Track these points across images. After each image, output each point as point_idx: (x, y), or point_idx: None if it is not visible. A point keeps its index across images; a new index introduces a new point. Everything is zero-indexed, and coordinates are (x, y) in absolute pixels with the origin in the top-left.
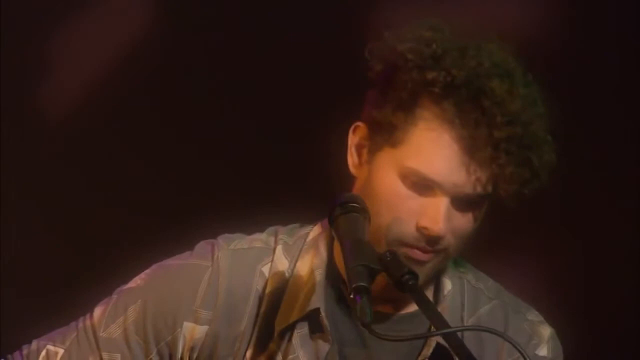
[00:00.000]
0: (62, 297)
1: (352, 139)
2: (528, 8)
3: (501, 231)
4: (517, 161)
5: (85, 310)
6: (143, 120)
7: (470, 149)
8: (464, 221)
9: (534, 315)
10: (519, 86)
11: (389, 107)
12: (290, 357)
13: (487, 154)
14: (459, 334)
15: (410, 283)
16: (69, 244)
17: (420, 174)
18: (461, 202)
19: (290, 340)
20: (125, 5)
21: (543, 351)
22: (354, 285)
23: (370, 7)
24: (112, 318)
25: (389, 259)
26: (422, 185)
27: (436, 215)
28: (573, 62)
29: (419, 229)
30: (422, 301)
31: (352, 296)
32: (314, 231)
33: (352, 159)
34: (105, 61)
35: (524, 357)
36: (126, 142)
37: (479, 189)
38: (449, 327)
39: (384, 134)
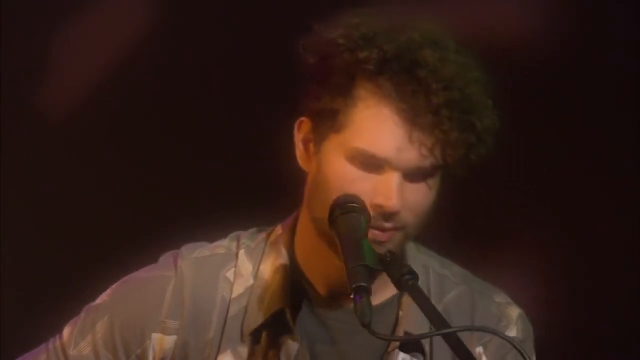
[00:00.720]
0: (62, 297)
1: (298, 135)
2: (528, 8)
3: (498, 232)
4: (460, 126)
5: None
6: (142, 120)
7: (412, 119)
8: (418, 195)
9: (501, 297)
10: (450, 53)
11: (327, 95)
12: (260, 359)
13: (428, 121)
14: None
15: (410, 283)
16: (69, 244)
17: (366, 153)
18: (412, 176)
19: (259, 342)
20: (124, 5)
21: (512, 332)
22: (354, 286)
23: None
24: (81, 335)
25: (388, 259)
26: (371, 164)
27: (389, 191)
28: (573, 61)
29: (374, 207)
30: (421, 300)
31: (352, 296)
32: (275, 233)
33: (300, 154)
34: (105, 61)
35: (523, 356)
36: (126, 142)
37: (426, 159)
38: (449, 326)
39: (327, 122)
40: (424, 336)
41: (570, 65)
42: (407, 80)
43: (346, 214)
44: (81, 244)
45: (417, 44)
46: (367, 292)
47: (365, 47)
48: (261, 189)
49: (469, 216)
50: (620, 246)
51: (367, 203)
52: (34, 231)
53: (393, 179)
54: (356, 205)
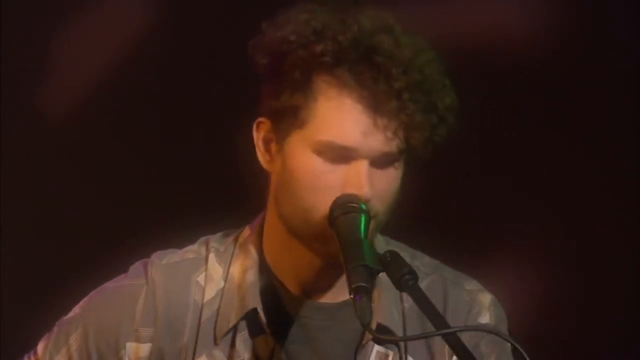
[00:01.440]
0: (62, 297)
1: (258, 136)
2: (527, 8)
3: (497, 232)
4: (423, 108)
5: None
6: (142, 120)
7: (375, 105)
8: (386, 181)
9: (472, 285)
10: (402, 37)
11: (286, 92)
12: None
13: (392, 106)
14: (395, 306)
15: (410, 283)
16: (69, 244)
17: (334, 145)
18: (379, 162)
19: (234, 344)
20: (124, 5)
21: (485, 318)
22: (354, 286)
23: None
24: (56, 349)
25: (389, 259)
26: (339, 155)
27: (359, 180)
28: (573, 61)
29: None
30: (421, 300)
31: (352, 296)
32: (243, 234)
33: (262, 155)
34: (104, 61)
35: (524, 356)
36: (125, 142)
37: (393, 144)
38: (449, 326)
39: (289, 119)
40: (424, 336)
41: (570, 65)
42: (366, 68)
43: (346, 214)
44: (81, 244)
45: (370, 32)
46: (368, 292)
47: (319, 41)
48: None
49: (466, 216)
50: (620, 246)
51: (339, 195)
52: (34, 231)
53: (361, 167)
54: (356, 205)
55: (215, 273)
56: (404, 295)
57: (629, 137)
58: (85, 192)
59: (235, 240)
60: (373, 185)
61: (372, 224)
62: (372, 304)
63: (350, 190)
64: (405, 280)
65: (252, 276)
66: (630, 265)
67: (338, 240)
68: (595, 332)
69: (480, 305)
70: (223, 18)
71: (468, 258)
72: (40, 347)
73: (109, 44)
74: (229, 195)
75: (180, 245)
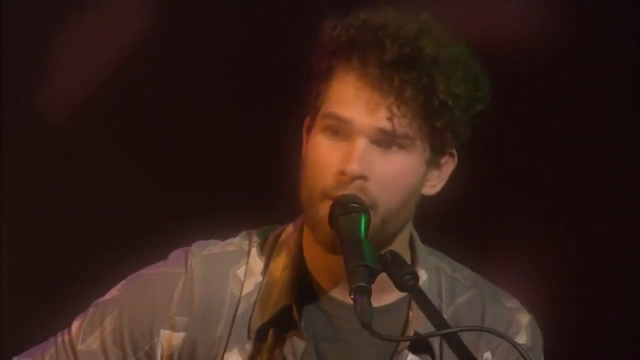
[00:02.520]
0: (62, 297)
1: (304, 136)
2: (527, 8)
3: (497, 231)
4: (416, 85)
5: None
6: (142, 121)
7: (370, 81)
8: (388, 166)
9: (511, 303)
10: (415, 23)
11: (315, 84)
12: (267, 356)
13: (379, 77)
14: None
15: (410, 283)
16: (69, 244)
17: (331, 115)
18: (380, 142)
19: (266, 339)
20: (125, 5)
21: (522, 339)
22: (354, 286)
23: None
24: (90, 330)
25: (389, 259)
26: (339, 130)
27: (351, 155)
28: (573, 61)
29: (337, 175)
30: (422, 301)
31: (352, 296)
32: (286, 231)
33: (303, 152)
34: (105, 61)
35: (524, 357)
36: (125, 142)
37: (388, 122)
38: (449, 327)
39: (314, 107)
40: (423, 336)
41: (570, 65)
42: (373, 49)
43: (347, 214)
44: (81, 244)
45: (385, 16)
46: (367, 292)
47: (338, 25)
48: (264, 190)
49: (465, 215)
50: (620, 246)
51: (333, 172)
52: (34, 231)
53: (357, 142)
54: (357, 205)
55: (256, 267)
56: (443, 306)
57: (629, 137)
58: (85, 192)
59: (278, 236)
60: (370, 166)
61: (373, 217)
62: (411, 313)
63: (341, 165)
64: (405, 280)
65: (289, 273)
66: (630, 265)
67: (338, 240)
68: (595, 331)
69: (518, 325)
70: (224, 18)
71: (467, 258)
72: (74, 325)
73: (109, 44)
74: (230, 196)
75: (180, 245)
